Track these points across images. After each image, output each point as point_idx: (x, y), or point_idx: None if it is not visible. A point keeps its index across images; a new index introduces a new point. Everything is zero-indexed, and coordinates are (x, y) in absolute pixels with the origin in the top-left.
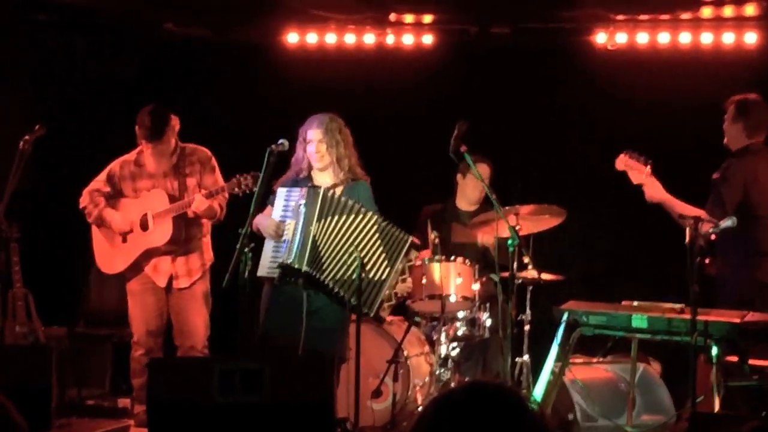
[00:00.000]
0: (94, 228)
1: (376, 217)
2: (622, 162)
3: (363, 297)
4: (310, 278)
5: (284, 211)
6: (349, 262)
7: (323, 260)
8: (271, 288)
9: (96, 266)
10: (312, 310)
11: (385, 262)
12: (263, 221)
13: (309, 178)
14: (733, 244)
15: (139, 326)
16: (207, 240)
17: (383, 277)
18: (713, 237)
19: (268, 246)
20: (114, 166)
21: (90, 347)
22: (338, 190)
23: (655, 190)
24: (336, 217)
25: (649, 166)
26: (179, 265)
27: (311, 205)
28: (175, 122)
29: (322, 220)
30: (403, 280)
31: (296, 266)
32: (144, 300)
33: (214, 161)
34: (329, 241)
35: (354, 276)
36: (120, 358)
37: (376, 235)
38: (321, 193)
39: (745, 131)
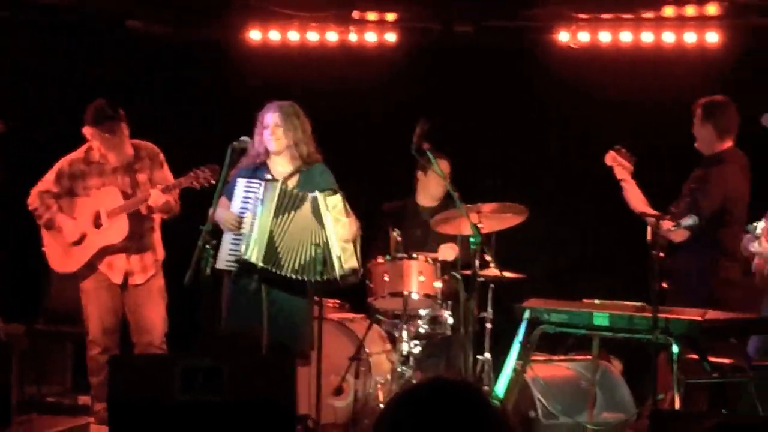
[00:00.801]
0: (42, 228)
1: (307, 195)
2: (611, 158)
3: (324, 271)
4: (267, 273)
5: (244, 203)
6: (303, 251)
7: (279, 255)
8: (231, 282)
9: None
10: (273, 305)
11: (319, 226)
12: (222, 214)
13: (265, 165)
14: (699, 243)
15: (95, 324)
16: (158, 235)
17: (324, 239)
18: (673, 236)
19: (227, 238)
20: (63, 164)
21: (50, 344)
22: (294, 180)
23: (630, 195)
24: (293, 212)
25: (631, 166)
26: (134, 261)
27: (269, 200)
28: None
29: (279, 216)
30: (343, 227)
31: (252, 261)
32: (99, 298)
33: (162, 156)
34: (286, 236)
35: (309, 259)
36: (80, 355)
37: (309, 207)
38: (278, 188)
39: (716, 132)
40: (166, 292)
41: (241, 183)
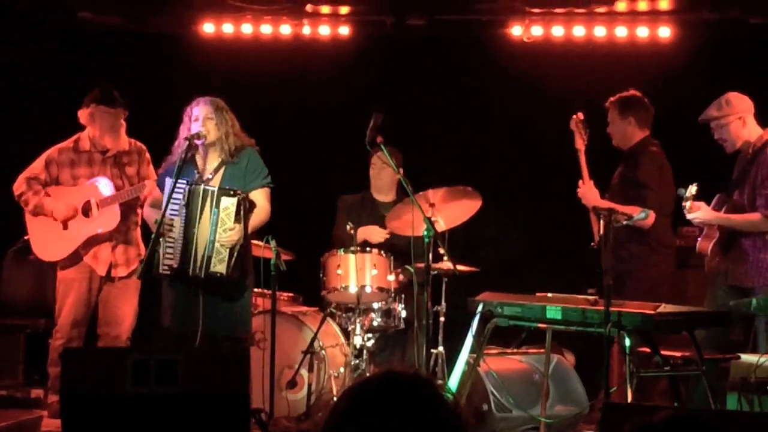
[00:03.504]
0: (28, 215)
1: (213, 190)
2: (574, 122)
3: (197, 263)
4: (198, 279)
5: (173, 205)
6: (203, 246)
7: (198, 255)
8: (168, 285)
9: (8, 256)
10: (211, 310)
11: (210, 224)
12: (153, 216)
13: (193, 160)
14: (635, 237)
15: (67, 315)
16: (139, 231)
17: (206, 236)
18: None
19: (162, 242)
20: (51, 152)
21: (2, 337)
22: (219, 175)
23: (591, 196)
24: (206, 210)
25: (585, 140)
26: (119, 253)
27: (192, 206)
28: None
29: (200, 219)
30: (225, 230)
31: (183, 269)
32: (79, 288)
33: (148, 155)
34: (201, 235)
35: (203, 253)
36: (33, 348)
37: (210, 202)
38: (200, 193)
39: (637, 125)
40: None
41: (169, 184)
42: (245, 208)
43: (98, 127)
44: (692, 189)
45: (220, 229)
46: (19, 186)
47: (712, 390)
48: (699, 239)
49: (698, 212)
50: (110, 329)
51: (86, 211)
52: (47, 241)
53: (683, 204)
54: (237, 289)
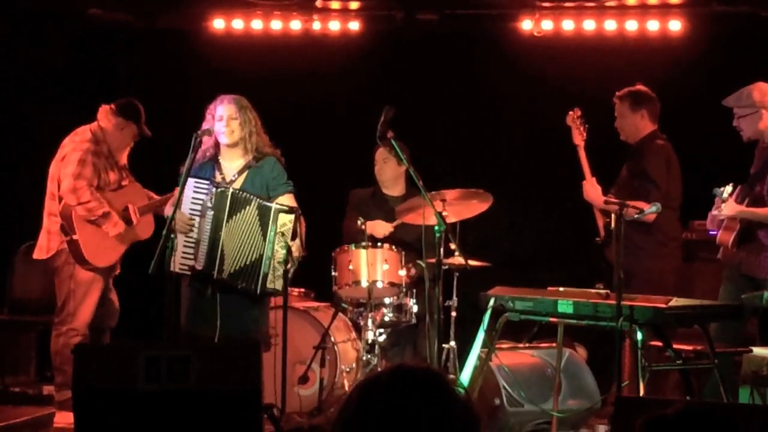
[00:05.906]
0: (80, 222)
1: (257, 201)
2: (571, 118)
3: (247, 277)
4: (221, 282)
5: (194, 205)
6: (242, 257)
7: (224, 260)
8: (188, 286)
9: (20, 253)
10: (228, 312)
11: (261, 237)
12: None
13: (215, 159)
14: (642, 231)
15: (86, 314)
16: None
17: (261, 251)
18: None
19: (180, 240)
20: (91, 157)
21: (14, 335)
22: (242, 178)
23: (593, 194)
24: (238, 215)
25: (584, 134)
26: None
27: (219, 209)
28: None
29: (230, 222)
30: (283, 248)
31: (207, 273)
32: (98, 288)
33: None
34: (231, 240)
35: (244, 266)
36: (45, 345)
37: (256, 214)
38: (229, 196)
39: (649, 118)
40: None
41: (190, 183)
42: (299, 222)
43: (120, 140)
44: (728, 189)
45: (277, 246)
46: (83, 195)
47: (724, 383)
48: (719, 231)
49: (725, 208)
50: (112, 321)
51: (127, 218)
52: (99, 247)
53: (719, 204)
54: (252, 297)
